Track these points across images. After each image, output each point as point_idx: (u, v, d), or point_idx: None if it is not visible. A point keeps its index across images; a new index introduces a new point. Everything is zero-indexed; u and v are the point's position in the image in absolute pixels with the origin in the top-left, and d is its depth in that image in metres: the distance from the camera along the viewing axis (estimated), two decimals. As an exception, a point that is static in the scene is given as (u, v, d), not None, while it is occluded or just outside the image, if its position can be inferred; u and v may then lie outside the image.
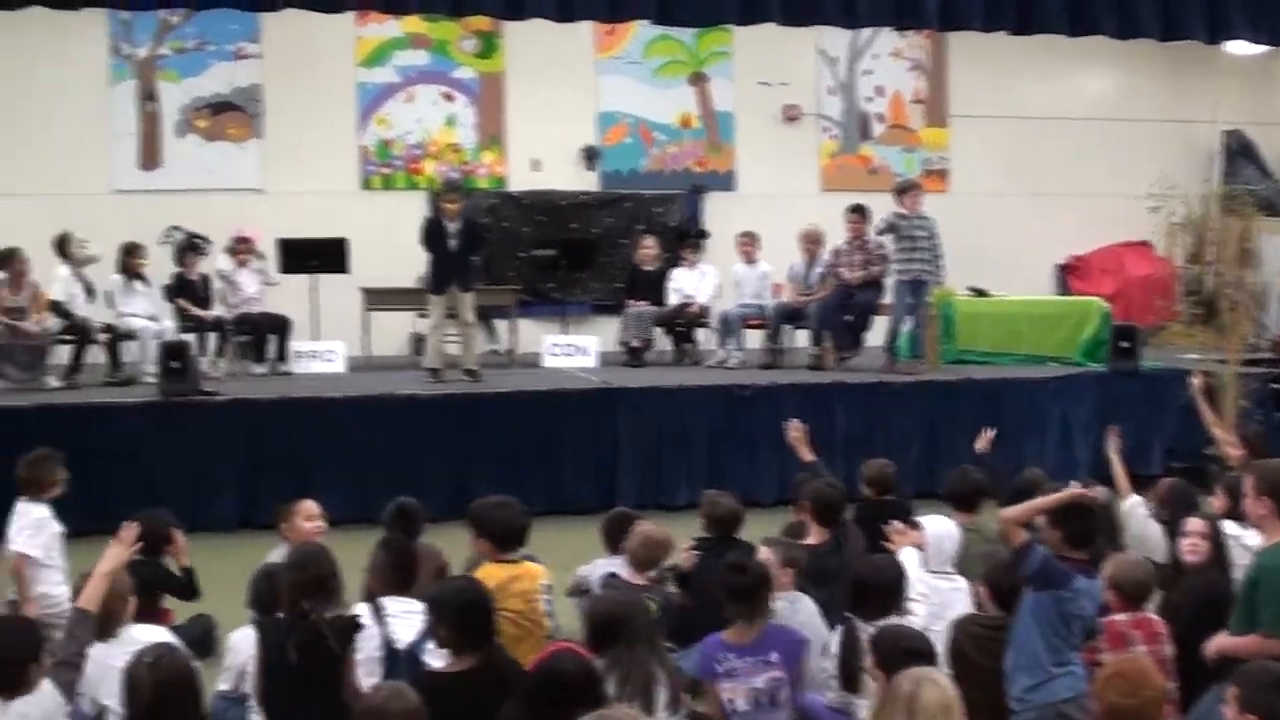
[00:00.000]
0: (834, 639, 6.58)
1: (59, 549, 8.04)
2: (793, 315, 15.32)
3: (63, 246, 14.19)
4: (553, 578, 7.22)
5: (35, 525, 7.86)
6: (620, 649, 5.78)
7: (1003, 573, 6.43)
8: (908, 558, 7.24)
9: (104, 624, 6.07)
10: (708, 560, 7.50)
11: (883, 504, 8.69)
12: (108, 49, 17.74)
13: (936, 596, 7.09)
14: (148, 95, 17.87)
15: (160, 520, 8.02)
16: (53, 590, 7.91)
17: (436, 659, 6.00)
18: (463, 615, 5.81)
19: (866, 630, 6.25)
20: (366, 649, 6.18)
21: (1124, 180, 19.57)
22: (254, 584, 6.99)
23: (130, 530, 6.35)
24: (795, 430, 9.12)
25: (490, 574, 6.76)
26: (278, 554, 7.58)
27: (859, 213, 14.73)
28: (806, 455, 9.05)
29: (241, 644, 6.25)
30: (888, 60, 19.91)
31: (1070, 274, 20.06)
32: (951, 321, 15.56)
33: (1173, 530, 7.67)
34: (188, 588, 8.18)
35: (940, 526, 7.52)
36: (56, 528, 8.01)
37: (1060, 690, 6.03)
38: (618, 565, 7.49)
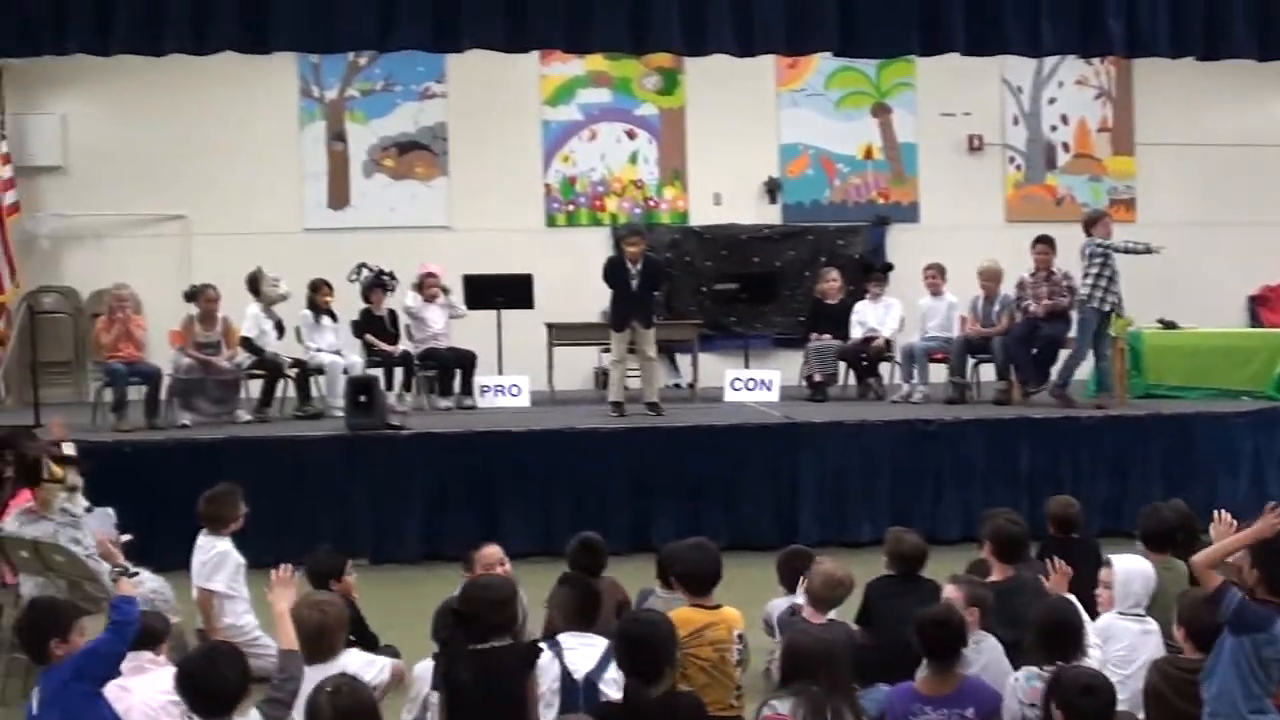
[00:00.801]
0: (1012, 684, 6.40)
1: (242, 579, 8.17)
2: (976, 348, 15.13)
3: (254, 284, 14.53)
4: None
5: (217, 561, 8.00)
6: (813, 688, 5.72)
7: (1200, 613, 6.25)
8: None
9: (318, 649, 6.17)
10: (892, 598, 7.43)
11: (1068, 542, 8.52)
12: (298, 91, 18.17)
13: (1127, 638, 6.92)
14: (336, 136, 18.27)
15: (330, 559, 8.07)
16: (239, 620, 8.04)
17: (613, 690, 6.02)
18: (643, 647, 5.82)
19: (1042, 675, 6.12)
20: (544, 682, 6.21)
21: (1317, 208, 19.17)
22: (436, 616, 7.05)
23: (285, 570, 6.46)
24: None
25: (686, 618, 6.73)
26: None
27: (1046, 244, 14.46)
28: None
29: (424, 675, 6.30)
30: (1072, 88, 19.66)
31: (1262, 305, 19.62)
32: (1139, 355, 15.28)
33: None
34: (370, 634, 8.21)
35: (1130, 565, 7.32)
36: (238, 559, 8.13)
37: (1256, 737, 5.86)
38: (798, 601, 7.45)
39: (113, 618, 6.18)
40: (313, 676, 5.88)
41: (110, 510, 8.82)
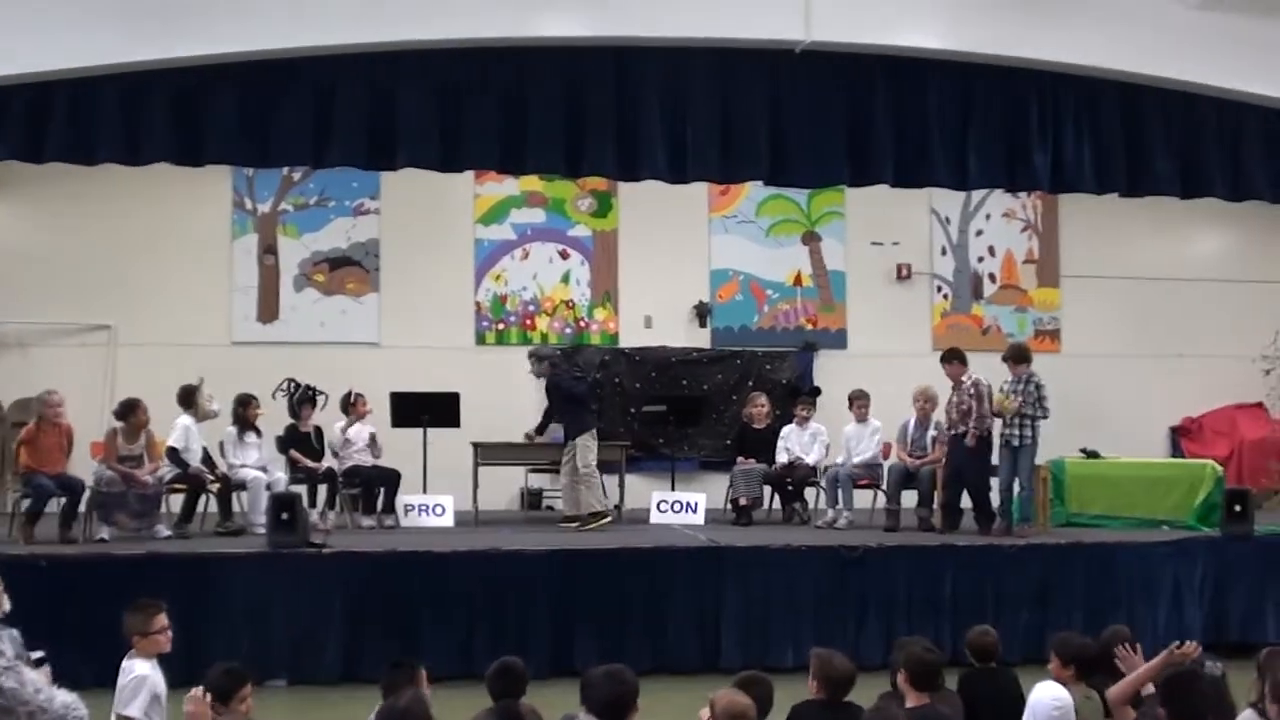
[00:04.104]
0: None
1: (161, 708, 7.96)
2: (910, 477, 15.20)
3: (189, 396, 14.39)
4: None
5: (134, 686, 7.80)
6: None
7: None
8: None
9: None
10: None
11: (987, 672, 8.53)
12: (230, 203, 18.18)
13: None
14: (268, 249, 18.26)
15: (230, 678, 7.76)
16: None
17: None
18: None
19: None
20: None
21: (1237, 341, 19.48)
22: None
23: (199, 693, 6.35)
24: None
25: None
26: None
27: (945, 360, 14.75)
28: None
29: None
30: (999, 220, 19.96)
31: (1183, 436, 19.88)
32: (1062, 484, 15.42)
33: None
34: None
35: (1047, 694, 7.33)
36: (155, 688, 7.86)
37: None
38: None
39: None
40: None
41: (15, 632, 8.61)
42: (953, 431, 14.37)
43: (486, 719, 6.87)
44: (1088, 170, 14.00)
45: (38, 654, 7.75)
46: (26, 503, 13.21)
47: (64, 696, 7.64)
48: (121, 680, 7.77)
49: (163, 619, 7.97)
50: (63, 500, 13.31)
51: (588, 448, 14.96)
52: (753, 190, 18.82)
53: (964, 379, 14.36)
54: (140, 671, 7.78)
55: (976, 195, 19.45)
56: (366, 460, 15.32)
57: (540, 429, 15.76)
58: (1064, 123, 13.90)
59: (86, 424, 14.45)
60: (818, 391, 17.45)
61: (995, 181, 14.78)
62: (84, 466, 13.94)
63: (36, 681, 7.29)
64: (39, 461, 13.27)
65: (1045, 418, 14.21)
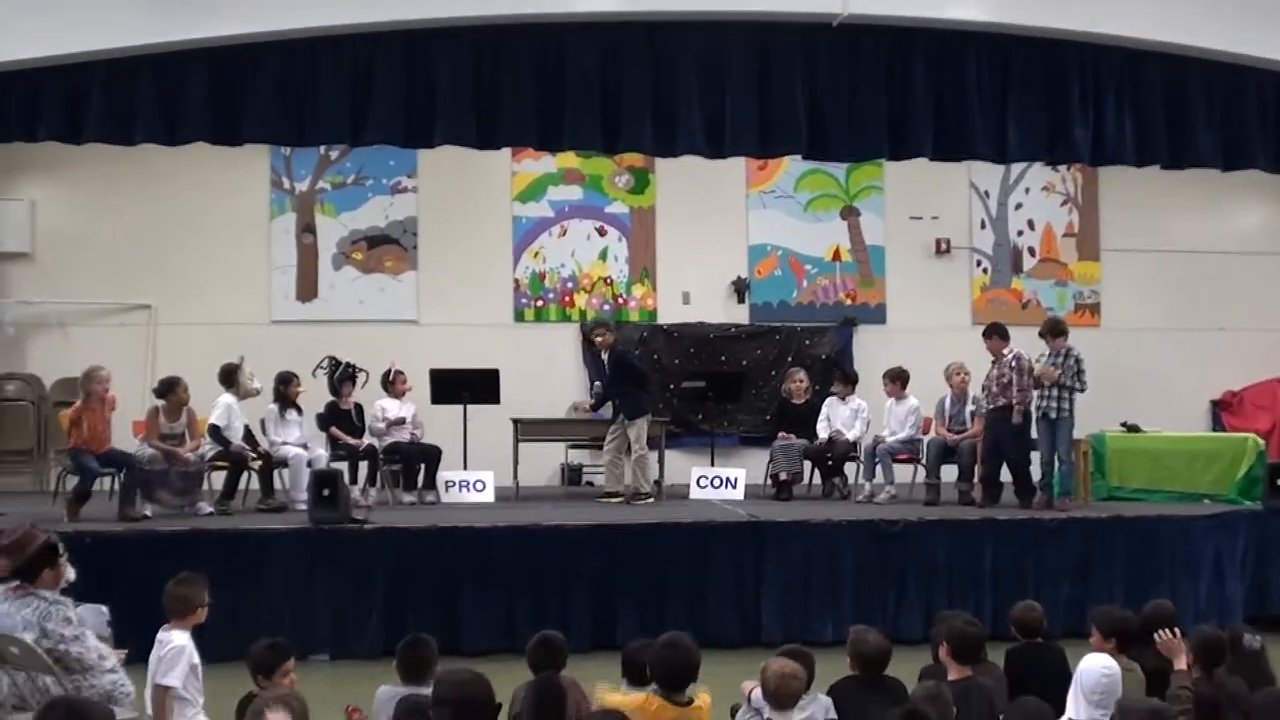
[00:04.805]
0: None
1: (197, 679, 7.99)
2: (949, 452, 15.16)
3: (230, 376, 14.41)
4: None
5: (173, 656, 7.82)
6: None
7: None
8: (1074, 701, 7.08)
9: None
10: (857, 701, 7.38)
11: (1032, 647, 8.52)
12: (268, 183, 18.23)
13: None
14: (306, 228, 18.31)
15: (273, 652, 7.77)
16: (190, 726, 7.84)
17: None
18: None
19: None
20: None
21: (1278, 315, 19.35)
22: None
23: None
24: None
25: (660, 714, 6.72)
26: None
27: (985, 336, 14.58)
28: None
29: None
30: (1039, 194, 19.85)
31: (1224, 410, 19.75)
32: (1103, 458, 15.35)
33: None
34: None
35: (1096, 663, 7.31)
36: (192, 658, 7.89)
37: None
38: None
39: None
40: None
41: (104, 608, 8.68)
42: (991, 405, 14.29)
43: (527, 691, 6.87)
44: (1129, 142, 13.93)
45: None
46: (73, 481, 13.27)
47: (112, 674, 7.69)
48: (159, 650, 7.78)
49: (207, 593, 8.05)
50: (115, 478, 13.39)
51: (644, 429, 15.15)
52: (791, 165, 18.74)
53: (1005, 353, 14.29)
54: (179, 642, 7.80)
55: (1016, 169, 19.36)
56: (407, 437, 15.37)
57: (597, 405, 15.80)
58: (1105, 94, 13.82)
59: (127, 403, 14.53)
60: (855, 378, 17.11)
61: (1035, 154, 14.70)
62: (126, 444, 13.98)
63: (102, 648, 7.39)
64: (86, 443, 13.31)
65: (1082, 390, 14.10)
